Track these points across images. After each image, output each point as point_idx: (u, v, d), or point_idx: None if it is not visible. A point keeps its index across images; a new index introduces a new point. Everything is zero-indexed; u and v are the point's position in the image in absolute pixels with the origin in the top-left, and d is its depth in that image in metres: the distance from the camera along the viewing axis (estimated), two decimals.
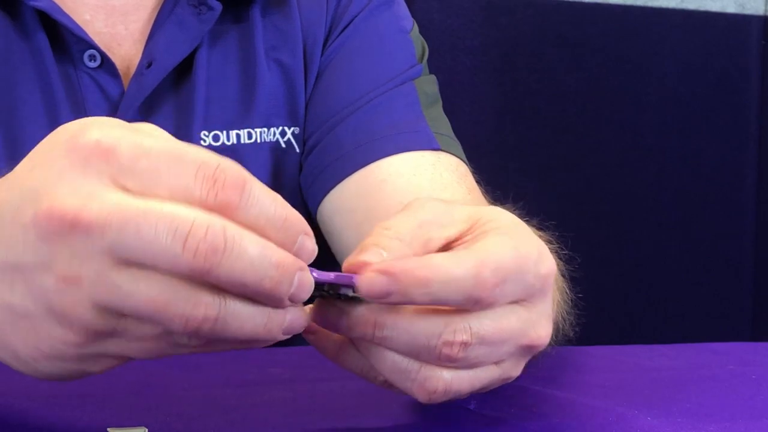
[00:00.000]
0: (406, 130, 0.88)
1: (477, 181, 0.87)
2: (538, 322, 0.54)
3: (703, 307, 1.78)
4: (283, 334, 0.49)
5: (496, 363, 0.54)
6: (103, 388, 0.61)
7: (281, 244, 0.47)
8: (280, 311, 0.48)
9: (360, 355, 0.54)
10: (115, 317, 0.47)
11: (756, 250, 1.78)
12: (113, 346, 0.48)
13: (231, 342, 0.48)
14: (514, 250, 0.52)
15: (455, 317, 0.51)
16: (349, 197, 0.86)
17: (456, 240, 0.55)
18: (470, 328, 0.51)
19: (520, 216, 0.63)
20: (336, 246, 0.89)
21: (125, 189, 0.46)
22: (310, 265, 0.49)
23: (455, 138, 0.91)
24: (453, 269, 0.50)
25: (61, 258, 0.46)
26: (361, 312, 0.51)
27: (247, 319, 0.47)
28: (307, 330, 0.54)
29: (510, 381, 0.56)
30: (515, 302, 0.53)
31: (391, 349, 0.52)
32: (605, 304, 1.70)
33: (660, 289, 1.76)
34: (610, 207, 1.73)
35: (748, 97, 1.75)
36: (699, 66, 1.73)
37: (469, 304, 0.51)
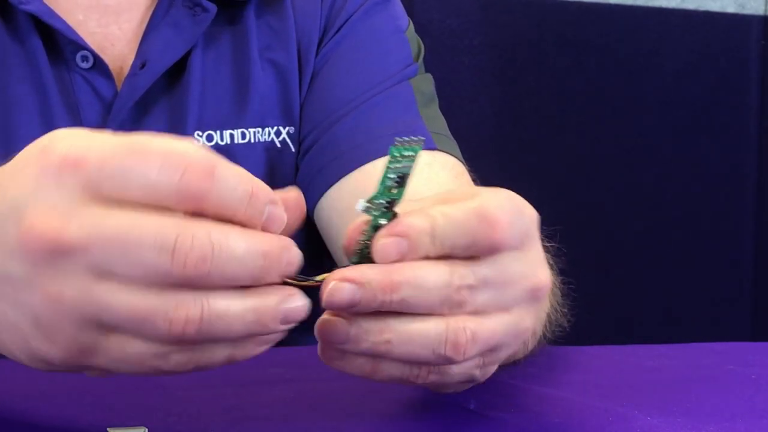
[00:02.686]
0: (402, 130, 0.88)
1: (474, 180, 0.87)
2: (536, 265, 0.55)
3: (703, 307, 1.78)
4: (282, 324, 0.48)
5: (507, 310, 0.53)
6: (103, 388, 0.61)
7: (249, 219, 0.47)
8: (269, 300, 0.48)
9: (396, 363, 0.53)
10: (99, 332, 0.47)
11: (756, 250, 1.78)
12: (98, 362, 0.49)
13: (222, 346, 0.48)
14: (505, 194, 0.53)
15: (458, 265, 0.51)
16: (346, 197, 0.87)
17: None
18: (473, 273, 0.51)
19: None
20: (333, 245, 0.89)
21: (100, 197, 0.46)
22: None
23: (452, 137, 0.91)
24: (454, 213, 0.51)
25: (45, 276, 0.47)
26: (376, 278, 0.50)
27: (235, 316, 0.47)
28: (333, 357, 0.53)
29: (526, 336, 0.56)
30: (514, 249, 0.53)
31: (410, 311, 0.51)
32: (605, 303, 1.70)
33: (660, 289, 1.76)
34: (610, 207, 1.73)
35: (748, 97, 1.75)
36: (699, 66, 1.73)
37: (479, 249, 0.51)
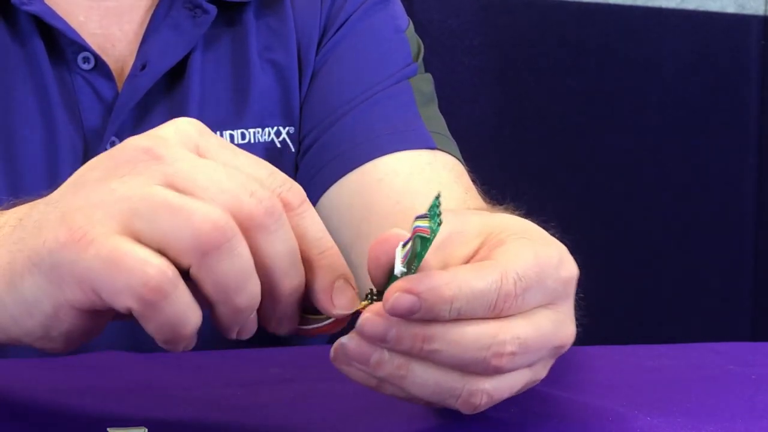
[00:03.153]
0: (402, 129, 0.88)
1: (473, 180, 0.88)
2: (563, 323, 0.55)
3: (703, 307, 1.78)
4: (237, 335, 0.53)
5: (529, 366, 0.54)
6: (103, 388, 0.62)
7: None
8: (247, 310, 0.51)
9: (399, 390, 0.53)
10: (118, 225, 0.49)
11: (756, 250, 1.78)
12: (87, 253, 0.49)
13: (194, 311, 0.50)
14: (534, 258, 0.53)
15: (502, 328, 0.51)
16: (346, 196, 0.87)
17: (474, 255, 0.55)
18: (518, 338, 0.52)
19: (521, 216, 0.63)
20: None
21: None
22: None
23: (451, 137, 0.91)
24: (476, 284, 0.50)
25: (119, 174, 0.50)
26: (409, 325, 0.50)
27: (245, 274, 0.50)
28: (343, 362, 0.53)
29: (537, 383, 0.57)
30: (542, 306, 0.53)
31: (438, 362, 0.51)
32: (605, 304, 1.70)
33: (660, 289, 1.76)
34: (609, 207, 1.73)
35: (748, 97, 1.75)
36: (699, 66, 1.73)
37: (492, 315, 0.51)
